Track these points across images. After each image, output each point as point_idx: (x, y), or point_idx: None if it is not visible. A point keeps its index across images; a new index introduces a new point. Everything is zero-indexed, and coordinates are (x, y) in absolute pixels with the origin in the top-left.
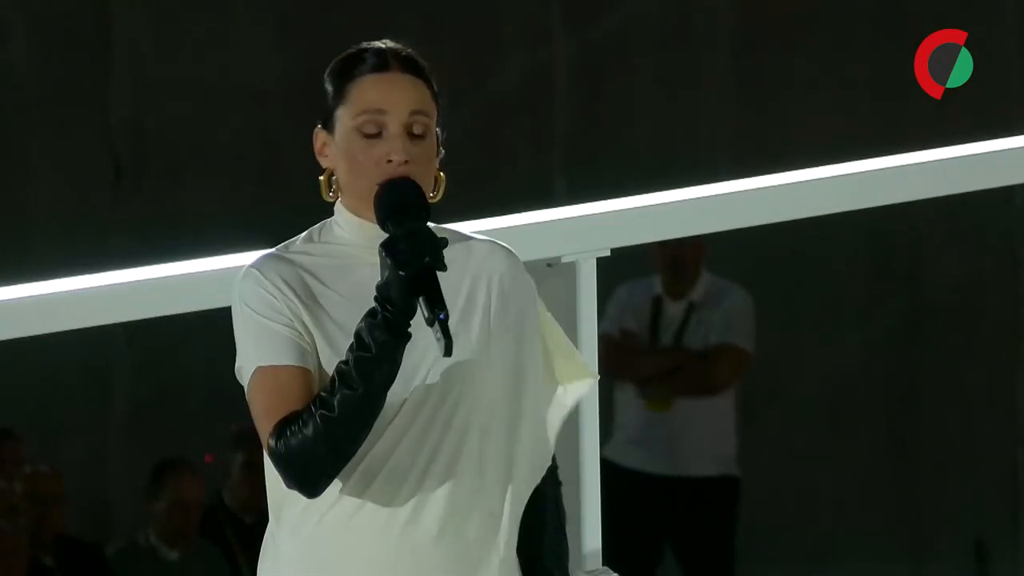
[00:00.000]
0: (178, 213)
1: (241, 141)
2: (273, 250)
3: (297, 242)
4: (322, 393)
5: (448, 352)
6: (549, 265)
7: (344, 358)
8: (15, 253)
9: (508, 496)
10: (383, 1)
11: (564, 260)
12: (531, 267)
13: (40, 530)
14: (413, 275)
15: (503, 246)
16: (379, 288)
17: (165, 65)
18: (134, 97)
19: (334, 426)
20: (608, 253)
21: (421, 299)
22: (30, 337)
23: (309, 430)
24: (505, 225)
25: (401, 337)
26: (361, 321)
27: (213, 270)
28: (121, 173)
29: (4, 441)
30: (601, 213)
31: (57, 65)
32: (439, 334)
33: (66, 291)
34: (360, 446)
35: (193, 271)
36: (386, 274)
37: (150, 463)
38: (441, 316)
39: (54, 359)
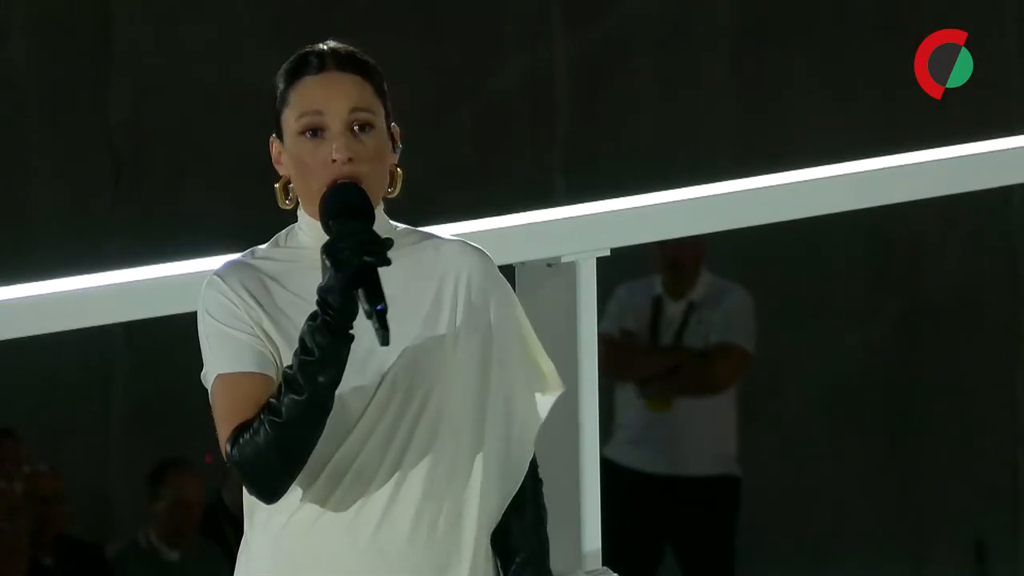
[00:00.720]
0: (178, 213)
1: (241, 141)
2: (238, 256)
3: (263, 247)
4: (271, 399)
5: (385, 342)
6: (549, 265)
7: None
8: (15, 253)
9: (479, 497)
10: (383, 1)
11: (564, 260)
12: (531, 267)
13: (40, 530)
14: (349, 275)
15: (474, 246)
16: (319, 291)
17: (165, 65)
18: (134, 97)
19: (283, 431)
20: (608, 253)
21: (360, 292)
22: (30, 337)
23: (260, 437)
24: (505, 225)
25: (343, 338)
26: (304, 324)
27: (212, 270)
28: (121, 173)
29: (4, 441)
30: (601, 213)
31: (57, 65)
32: (377, 325)
33: (66, 291)
34: (312, 449)
35: (193, 271)
36: (326, 276)
37: (150, 463)
38: (379, 307)
39: (54, 359)
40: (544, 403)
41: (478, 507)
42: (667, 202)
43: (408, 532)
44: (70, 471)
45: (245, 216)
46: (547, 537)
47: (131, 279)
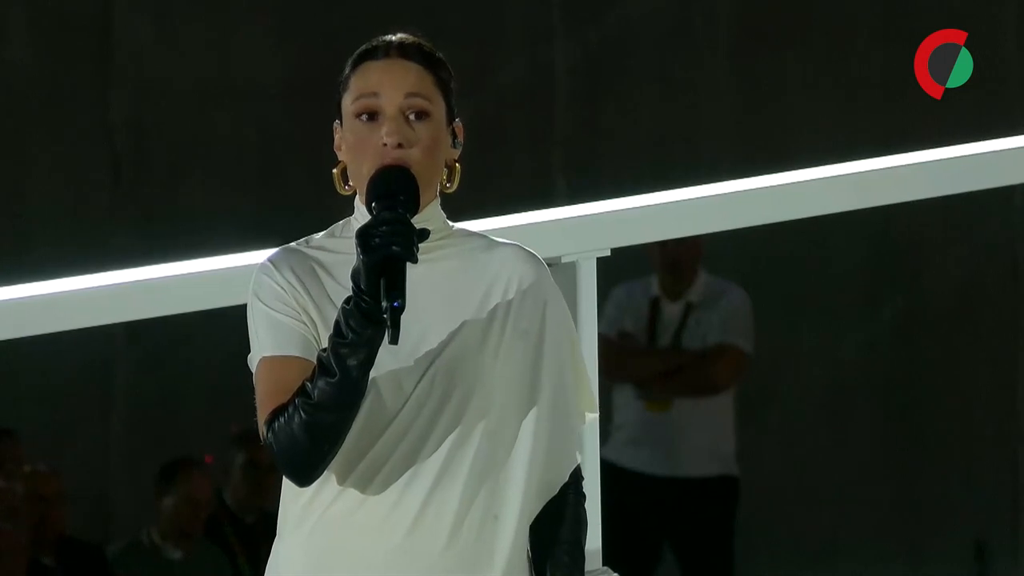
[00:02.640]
0: (178, 213)
1: (241, 141)
2: (293, 243)
3: (319, 236)
4: (306, 382)
5: (393, 340)
6: (549, 265)
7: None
8: (15, 253)
9: (514, 503)
10: (383, 1)
11: (564, 260)
12: None
13: (40, 530)
14: (375, 263)
15: (529, 252)
16: (352, 274)
17: (165, 65)
18: (134, 97)
19: (314, 414)
20: (608, 253)
21: (382, 283)
22: (30, 337)
23: (294, 420)
24: (505, 225)
25: (376, 324)
26: (340, 308)
27: (213, 270)
28: (121, 173)
29: (4, 441)
30: (601, 213)
31: (57, 65)
32: (388, 321)
33: (66, 291)
34: (344, 433)
35: (193, 271)
36: (357, 260)
37: (150, 463)
38: (396, 304)
39: (54, 359)
40: (589, 418)
41: (514, 515)
42: (667, 202)
43: (444, 534)
44: (70, 471)
45: (245, 215)
46: (583, 553)
47: (132, 279)
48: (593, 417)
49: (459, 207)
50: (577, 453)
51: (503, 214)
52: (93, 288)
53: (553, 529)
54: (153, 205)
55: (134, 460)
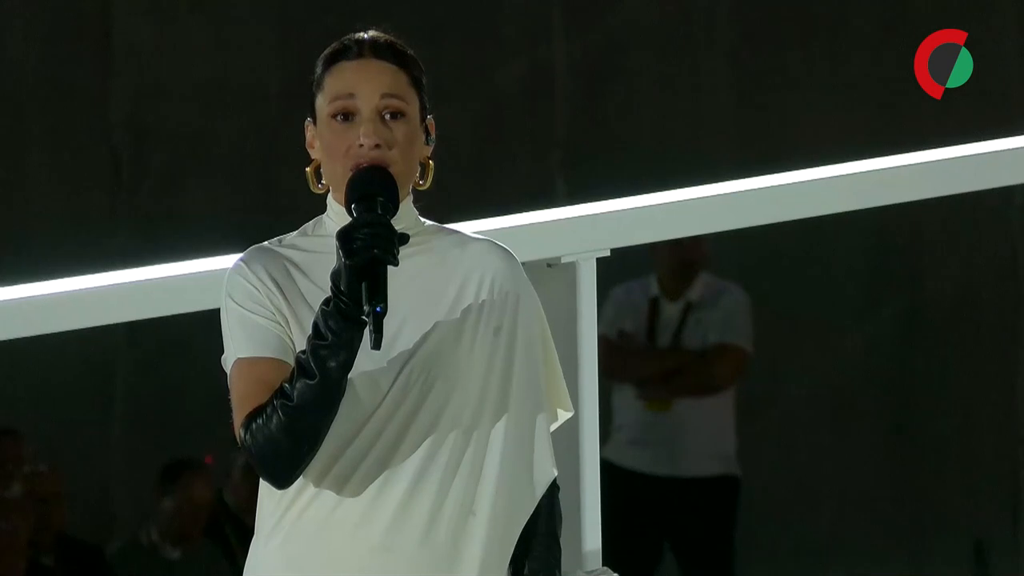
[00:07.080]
0: (178, 213)
1: (241, 141)
2: (264, 243)
3: (291, 235)
4: (284, 384)
5: (376, 346)
6: (549, 265)
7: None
8: (15, 253)
9: (490, 498)
10: (383, 1)
11: (564, 260)
12: (531, 267)
13: (40, 530)
14: (358, 266)
15: (502, 247)
16: (331, 276)
17: (165, 65)
18: (134, 97)
19: (294, 416)
20: (608, 253)
21: (363, 287)
22: (30, 337)
23: (272, 421)
24: (505, 225)
25: (355, 324)
26: (318, 309)
27: (213, 270)
28: (121, 173)
29: (4, 441)
30: (601, 213)
31: (57, 65)
32: (371, 327)
33: (66, 291)
34: (323, 435)
35: (193, 271)
36: (338, 261)
37: (150, 463)
38: (378, 309)
39: (54, 359)
40: (561, 415)
41: (490, 510)
42: (667, 202)
43: (420, 531)
44: (70, 471)
45: (244, 216)
46: (559, 545)
47: (131, 279)
48: (568, 415)
49: (459, 207)
50: (551, 448)
51: (503, 214)
52: (93, 288)
53: (529, 522)
54: (153, 205)
55: (134, 460)
